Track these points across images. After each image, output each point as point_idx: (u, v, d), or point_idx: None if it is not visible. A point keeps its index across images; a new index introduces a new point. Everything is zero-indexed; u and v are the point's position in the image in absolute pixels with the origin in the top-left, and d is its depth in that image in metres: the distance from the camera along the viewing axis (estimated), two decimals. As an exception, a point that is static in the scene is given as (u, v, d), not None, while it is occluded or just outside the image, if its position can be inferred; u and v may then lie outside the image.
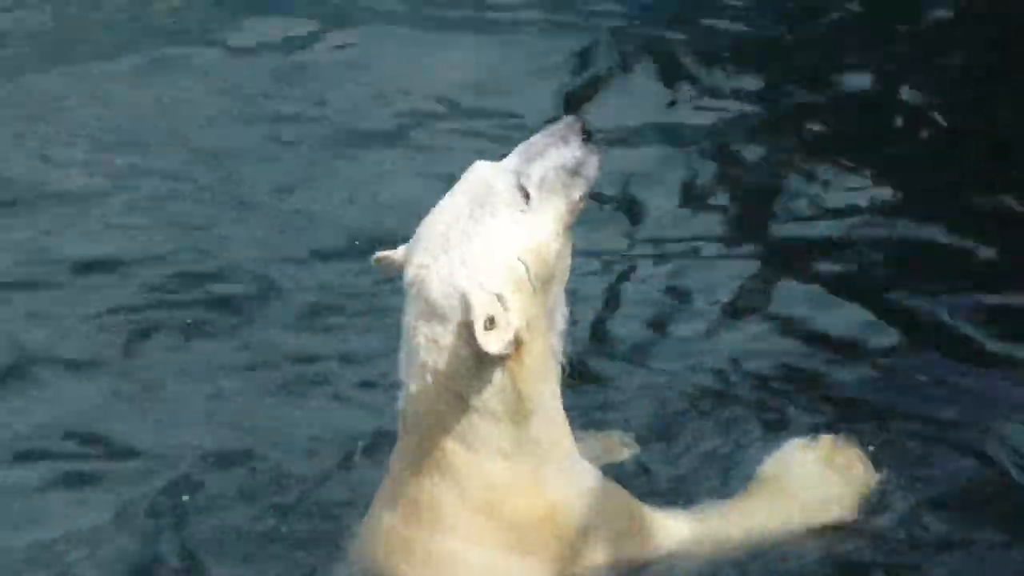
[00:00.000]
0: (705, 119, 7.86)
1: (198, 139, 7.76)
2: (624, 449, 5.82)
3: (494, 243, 4.87)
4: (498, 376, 4.89)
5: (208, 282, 6.93)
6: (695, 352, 6.53)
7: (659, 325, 6.70)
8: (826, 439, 5.54)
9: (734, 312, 6.75)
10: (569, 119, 5.02)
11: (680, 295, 6.85)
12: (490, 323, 4.81)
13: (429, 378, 4.91)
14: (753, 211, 7.32)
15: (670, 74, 8.19)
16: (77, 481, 6.00)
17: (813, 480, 5.41)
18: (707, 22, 8.52)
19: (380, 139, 7.74)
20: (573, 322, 6.42)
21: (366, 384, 6.27)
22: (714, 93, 8.04)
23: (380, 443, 5.53)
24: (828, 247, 7.10)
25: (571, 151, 4.96)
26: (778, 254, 7.08)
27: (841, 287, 6.85)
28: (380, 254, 5.10)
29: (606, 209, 7.33)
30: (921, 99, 7.98)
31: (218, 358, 6.55)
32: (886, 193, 7.40)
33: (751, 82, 8.17)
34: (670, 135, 7.75)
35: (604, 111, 7.89)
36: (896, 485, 5.62)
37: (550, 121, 5.14)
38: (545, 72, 8.14)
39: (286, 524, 5.68)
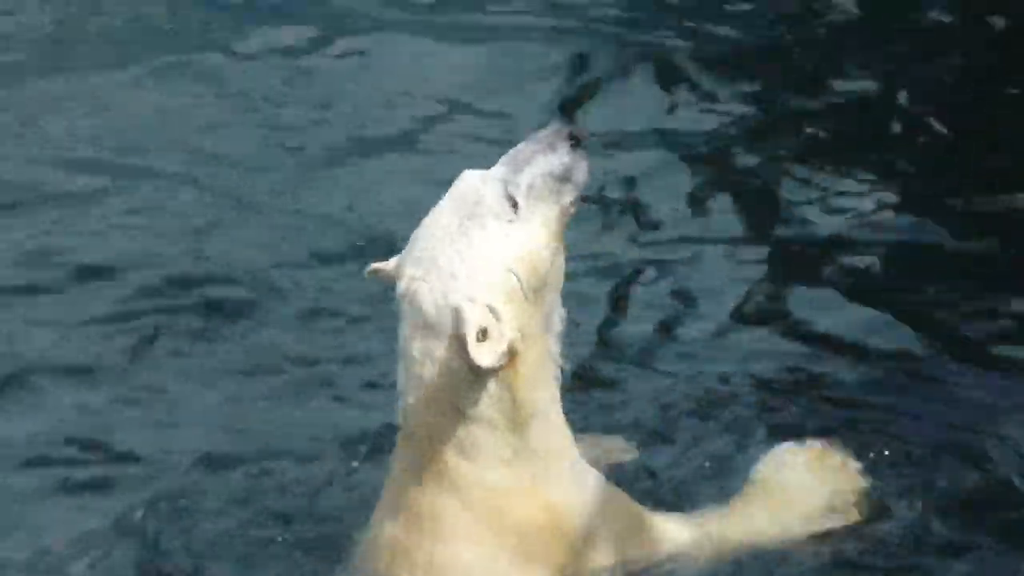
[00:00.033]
0: (707, 123, 7.87)
1: (199, 143, 7.77)
2: (625, 453, 5.81)
3: (484, 255, 4.86)
4: (494, 386, 4.89)
5: (209, 286, 6.93)
6: (699, 355, 6.54)
7: (663, 328, 6.71)
8: (814, 444, 5.53)
9: (738, 315, 6.75)
10: (556, 125, 5.00)
11: (684, 298, 6.85)
12: (483, 335, 4.80)
13: (425, 390, 4.91)
14: (756, 214, 7.32)
15: (671, 78, 8.19)
16: (77, 486, 6.01)
17: (802, 483, 5.40)
18: (707, 26, 8.52)
19: (382, 143, 7.75)
20: (576, 325, 6.48)
21: (369, 386, 6.28)
22: (715, 97, 8.05)
23: (383, 445, 5.52)
24: (832, 249, 7.10)
25: (558, 158, 4.94)
26: (782, 257, 7.08)
27: (845, 289, 6.85)
28: (373, 266, 5.10)
29: (610, 213, 7.33)
30: (922, 100, 7.98)
31: (219, 362, 6.56)
32: (888, 195, 7.41)
33: (752, 85, 8.18)
34: (672, 139, 7.76)
35: (605, 115, 7.90)
36: (898, 488, 5.63)
37: (542, 127, 5.13)
38: (547, 77, 8.14)
39: (288, 530, 5.68)
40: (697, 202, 7.41)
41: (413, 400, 4.95)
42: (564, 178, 4.95)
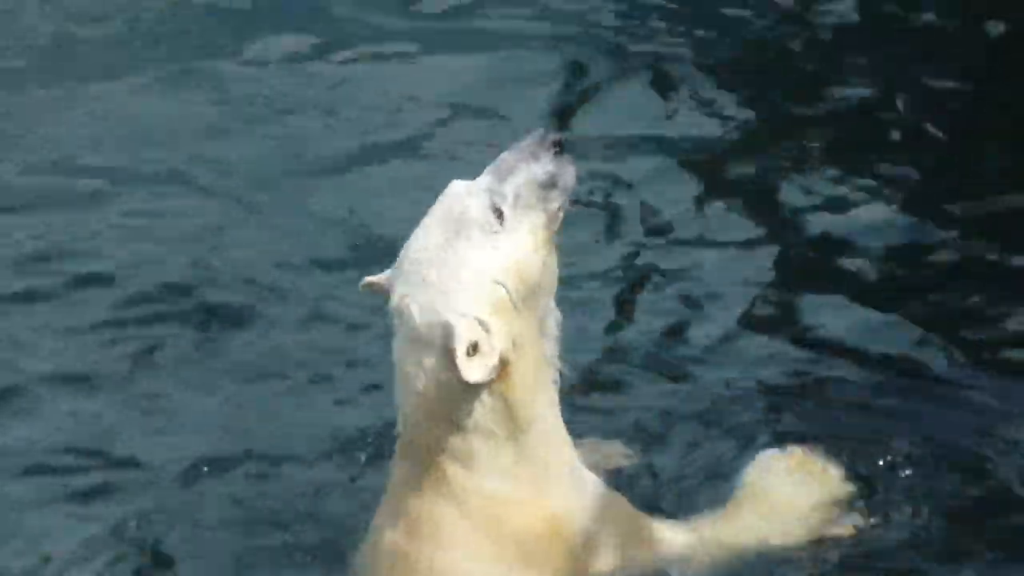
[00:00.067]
0: (709, 128, 7.86)
1: (201, 149, 7.77)
2: (625, 458, 5.82)
3: (471, 268, 4.86)
4: (488, 396, 4.89)
5: (211, 291, 6.94)
6: (703, 360, 6.53)
7: (667, 333, 6.70)
8: (796, 449, 5.55)
9: (742, 320, 6.74)
10: (538, 132, 4.98)
11: (688, 303, 6.84)
12: (473, 349, 4.81)
13: (421, 402, 4.92)
14: (760, 219, 7.31)
15: (672, 83, 8.18)
16: (77, 493, 6.01)
17: (785, 488, 5.42)
18: (707, 31, 8.51)
19: (384, 149, 7.74)
20: (582, 330, 6.50)
21: (371, 388, 6.27)
22: (716, 102, 8.03)
23: (384, 448, 5.52)
24: (835, 253, 7.10)
25: (541, 166, 4.94)
26: (786, 261, 7.07)
27: (849, 294, 6.84)
28: (367, 280, 5.10)
29: (614, 218, 7.32)
30: (922, 104, 7.97)
31: (221, 367, 6.56)
32: (890, 198, 7.40)
33: (753, 89, 8.17)
34: (674, 144, 7.75)
35: (608, 121, 7.89)
36: (900, 493, 5.64)
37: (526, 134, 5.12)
38: (548, 83, 8.14)
39: (290, 535, 5.69)
40: (701, 207, 7.40)
41: (410, 411, 4.96)
42: (549, 185, 4.94)
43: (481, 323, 4.83)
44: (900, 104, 7.97)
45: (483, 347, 4.82)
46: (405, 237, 5.07)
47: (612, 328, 6.74)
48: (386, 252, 5.14)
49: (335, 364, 6.52)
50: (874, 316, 6.72)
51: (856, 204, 7.36)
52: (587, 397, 6.27)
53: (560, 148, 4.96)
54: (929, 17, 8.53)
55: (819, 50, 8.37)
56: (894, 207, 7.34)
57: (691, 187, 7.51)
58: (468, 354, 4.80)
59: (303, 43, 8.45)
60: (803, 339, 6.64)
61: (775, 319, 6.76)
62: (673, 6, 8.69)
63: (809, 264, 7.07)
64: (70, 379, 6.48)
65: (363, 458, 5.95)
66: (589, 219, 7.30)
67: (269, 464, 6.05)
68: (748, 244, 7.16)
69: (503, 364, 4.86)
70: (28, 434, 6.25)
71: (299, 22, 8.61)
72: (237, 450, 6.11)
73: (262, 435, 6.19)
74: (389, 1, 8.74)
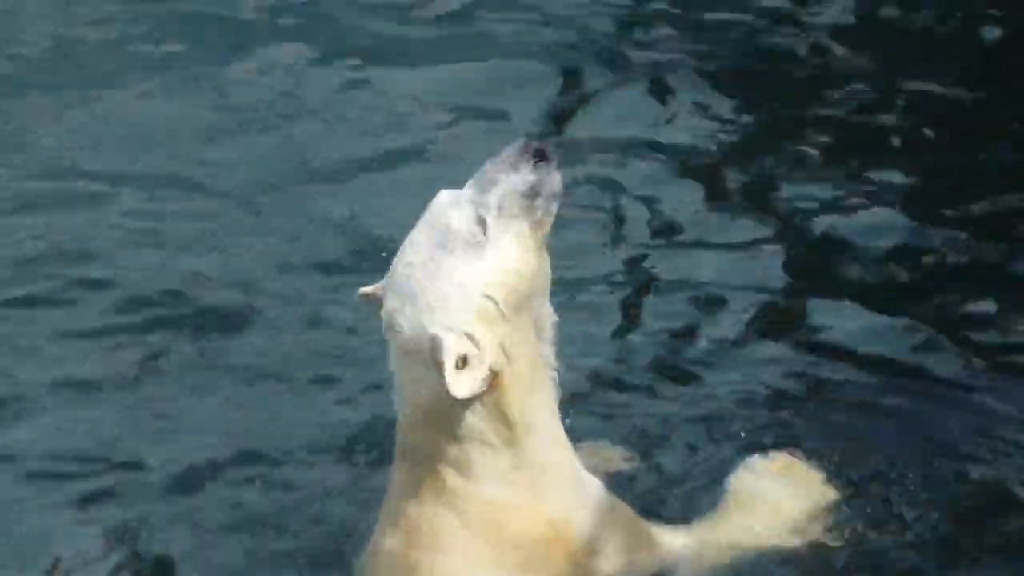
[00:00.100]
0: (710, 133, 7.84)
1: (201, 155, 7.77)
2: (625, 461, 5.83)
3: (457, 283, 4.85)
4: (482, 406, 4.90)
5: (212, 295, 6.93)
6: (706, 363, 6.54)
7: (670, 336, 6.70)
8: (779, 454, 5.58)
9: (748, 324, 6.74)
10: (518, 143, 4.96)
11: (691, 306, 6.84)
12: (463, 362, 4.81)
13: (416, 411, 4.93)
14: (761, 222, 7.31)
15: (674, 88, 8.17)
16: (78, 498, 6.02)
17: (772, 492, 5.44)
18: (705, 33, 8.52)
19: (386, 155, 7.73)
20: (585, 333, 6.51)
21: (372, 389, 6.26)
22: (717, 106, 8.01)
23: (386, 449, 5.51)
24: (839, 257, 7.10)
25: (522, 177, 4.91)
26: (791, 265, 7.07)
27: (854, 297, 6.84)
28: (363, 291, 5.11)
29: (615, 222, 7.33)
30: (923, 104, 7.98)
31: (222, 370, 6.56)
32: (890, 199, 7.40)
33: (754, 92, 8.16)
34: (675, 149, 7.74)
35: (610, 126, 7.88)
36: (901, 494, 5.66)
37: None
38: (549, 89, 8.13)
39: (292, 539, 5.70)
40: (702, 211, 7.39)
41: (407, 420, 4.98)
42: (532, 195, 4.92)
43: (469, 336, 4.82)
44: (899, 106, 7.97)
45: (472, 360, 4.82)
46: (403, 242, 5.08)
47: (614, 331, 6.74)
48: (387, 256, 5.14)
49: (336, 367, 6.51)
50: (875, 318, 6.72)
51: (856, 206, 7.36)
52: (589, 400, 6.27)
53: (541, 157, 4.93)
54: (928, 20, 8.54)
55: (818, 53, 8.36)
56: (894, 209, 7.33)
57: (692, 191, 7.51)
58: (457, 367, 4.80)
59: (304, 48, 8.46)
60: (804, 342, 6.64)
61: (777, 322, 6.76)
62: (672, 11, 8.69)
63: (810, 267, 7.07)
64: (71, 383, 6.49)
65: (364, 461, 5.96)
66: (590, 223, 7.30)
67: (270, 467, 6.05)
68: (749, 248, 7.16)
69: (494, 375, 4.86)
70: (29, 437, 6.26)
71: (300, 28, 8.61)
72: (239, 453, 6.12)
73: (263, 438, 6.19)
74: (390, 8, 8.75)
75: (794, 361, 6.54)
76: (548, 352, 5.03)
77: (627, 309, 6.87)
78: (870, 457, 5.84)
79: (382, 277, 5.08)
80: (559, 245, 6.94)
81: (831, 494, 5.50)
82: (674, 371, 6.51)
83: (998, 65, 8.20)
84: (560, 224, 6.99)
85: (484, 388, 4.85)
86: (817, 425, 6.10)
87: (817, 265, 7.08)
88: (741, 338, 6.67)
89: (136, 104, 8.13)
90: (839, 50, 8.34)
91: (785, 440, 5.95)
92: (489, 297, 4.85)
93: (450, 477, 4.94)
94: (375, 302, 5.06)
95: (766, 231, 7.24)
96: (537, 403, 4.97)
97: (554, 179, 4.94)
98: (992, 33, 8.38)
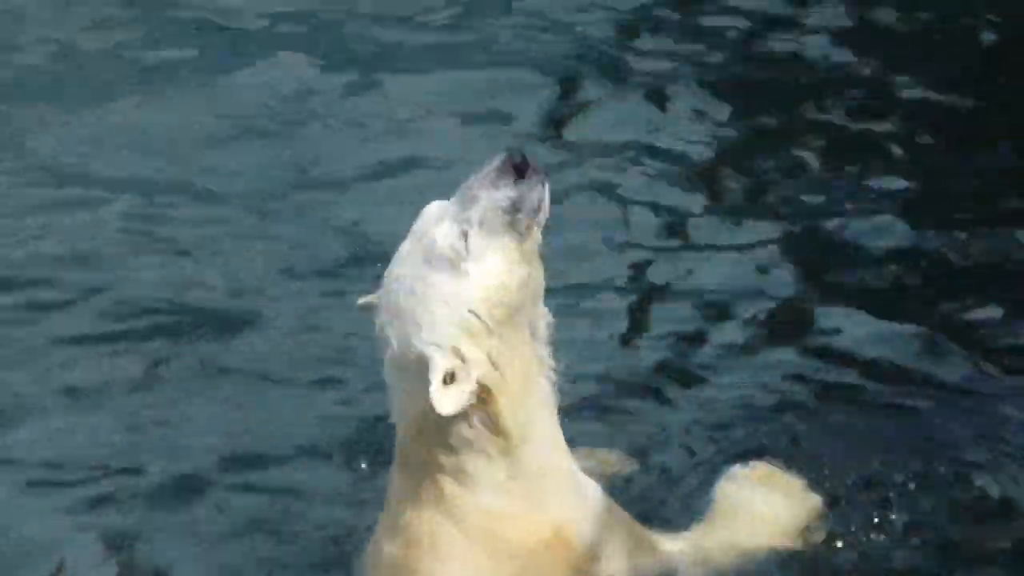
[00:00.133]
0: (707, 137, 7.85)
1: (203, 162, 7.79)
2: (624, 465, 5.83)
3: (442, 300, 4.85)
4: (475, 416, 4.90)
5: (212, 300, 6.96)
6: (709, 366, 6.55)
7: (673, 340, 6.71)
8: (758, 463, 5.58)
9: (749, 327, 6.75)
10: (498, 159, 4.93)
11: (694, 311, 6.86)
12: (451, 378, 4.82)
13: (411, 422, 4.95)
14: (761, 225, 7.32)
15: (675, 91, 8.18)
16: (79, 503, 6.04)
17: (754, 499, 5.45)
18: (704, 37, 8.53)
19: (387, 161, 7.75)
20: (589, 337, 6.52)
21: (373, 391, 6.26)
22: (717, 109, 8.03)
23: (387, 450, 5.52)
24: (837, 257, 7.12)
25: (503, 193, 4.88)
26: (787, 267, 7.09)
27: (853, 298, 6.87)
28: (362, 301, 5.11)
29: (619, 227, 7.34)
30: (923, 106, 7.98)
31: (222, 376, 6.57)
32: (890, 201, 7.41)
33: (755, 94, 8.18)
34: (671, 153, 7.76)
35: (609, 131, 7.90)
36: (902, 499, 5.67)
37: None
38: (547, 95, 8.15)
39: (292, 543, 5.73)
40: (702, 216, 7.40)
41: (403, 431, 4.99)
42: (514, 210, 4.88)
43: (456, 351, 4.83)
44: (899, 110, 7.97)
45: (459, 375, 4.82)
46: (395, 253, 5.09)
47: (616, 336, 6.76)
48: (384, 265, 5.15)
49: (337, 371, 6.53)
50: (876, 321, 6.73)
51: (856, 210, 7.36)
52: (591, 405, 6.28)
53: (521, 173, 4.90)
54: (926, 23, 8.54)
55: (817, 57, 8.36)
56: (895, 213, 7.33)
57: (692, 196, 7.51)
58: (445, 382, 4.81)
59: (305, 56, 8.46)
60: (806, 346, 6.66)
61: (779, 327, 6.77)
62: (672, 17, 8.69)
63: (811, 271, 7.07)
64: (72, 388, 6.50)
65: (365, 464, 5.97)
66: (591, 227, 7.31)
67: (271, 472, 6.08)
68: (750, 253, 7.16)
69: (484, 387, 4.86)
70: (30, 442, 6.28)
71: (301, 35, 8.62)
72: (239, 458, 6.14)
73: (264, 443, 6.21)
74: (391, 15, 8.76)
75: (796, 365, 6.56)
76: (544, 352, 5.03)
77: (629, 314, 6.88)
78: (871, 460, 5.84)
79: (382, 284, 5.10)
80: (561, 249, 7.02)
81: (812, 500, 5.50)
82: (676, 375, 6.52)
83: (997, 67, 8.20)
84: (562, 228, 7.11)
85: (472, 401, 4.85)
86: (818, 427, 6.12)
87: (819, 269, 7.08)
88: (743, 342, 6.69)
89: (138, 111, 8.14)
90: (838, 54, 8.35)
91: (787, 444, 5.97)
92: (474, 312, 4.84)
93: (447, 485, 4.96)
94: (373, 312, 5.07)
95: (767, 236, 7.24)
96: (533, 409, 4.98)
97: (535, 193, 4.90)
98: (990, 36, 8.38)
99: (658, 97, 8.11)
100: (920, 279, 6.99)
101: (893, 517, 5.63)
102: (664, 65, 8.31)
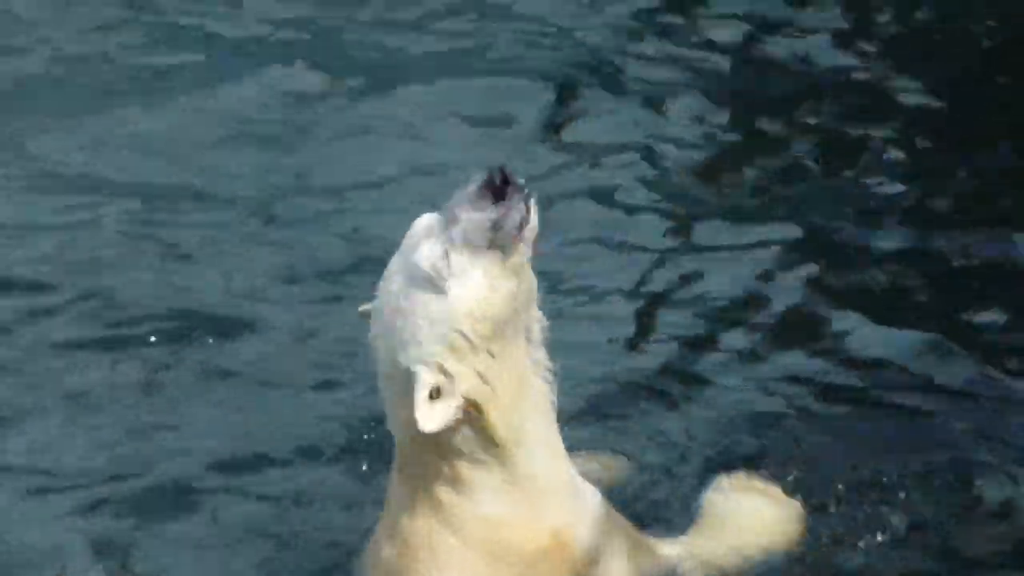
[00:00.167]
0: (706, 141, 7.86)
1: (204, 169, 7.78)
2: (624, 469, 5.84)
3: (426, 318, 4.84)
4: (468, 427, 4.91)
5: (212, 304, 6.95)
6: (713, 372, 6.54)
7: (679, 345, 6.71)
8: (740, 473, 5.59)
9: (751, 331, 6.75)
10: (478, 179, 4.90)
11: (699, 316, 6.85)
12: (437, 393, 4.83)
13: (405, 432, 4.95)
14: (761, 227, 7.32)
15: (677, 93, 8.18)
16: (79, 508, 6.04)
17: (737, 507, 5.47)
18: (704, 40, 8.53)
19: (389, 169, 7.75)
20: (593, 344, 6.53)
21: (373, 394, 6.28)
22: (716, 111, 8.03)
23: (387, 451, 5.54)
24: (838, 259, 7.11)
25: (483, 215, 4.84)
26: (787, 270, 7.08)
27: (853, 300, 6.86)
28: (362, 309, 5.11)
29: (620, 230, 7.35)
30: (924, 104, 7.98)
31: (222, 380, 6.58)
32: (890, 202, 7.41)
33: (753, 96, 8.18)
34: (670, 156, 7.76)
35: (604, 133, 7.90)
36: (904, 500, 5.69)
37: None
38: (548, 101, 8.14)
39: (292, 546, 5.73)
40: (708, 219, 7.39)
41: (399, 440, 5.00)
42: (495, 228, 4.84)
43: (441, 368, 4.84)
44: (898, 111, 7.97)
45: (445, 390, 4.84)
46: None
47: (618, 340, 6.75)
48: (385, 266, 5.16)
49: (338, 374, 6.53)
50: (875, 321, 6.72)
51: (856, 210, 7.36)
52: (593, 409, 6.28)
53: (501, 194, 4.85)
54: (925, 23, 8.54)
55: (817, 58, 8.36)
56: (895, 214, 7.33)
57: (693, 200, 7.51)
58: (432, 397, 4.82)
59: (306, 63, 8.46)
60: (807, 347, 6.65)
61: (781, 330, 6.76)
62: (671, 22, 8.68)
63: (812, 273, 7.06)
64: (72, 393, 6.50)
65: (366, 466, 5.98)
66: (592, 230, 7.32)
67: (271, 474, 6.09)
68: (750, 254, 7.15)
69: (471, 402, 4.87)
70: (28, 448, 6.29)
71: (302, 43, 8.62)
72: (239, 463, 6.15)
73: (264, 448, 6.21)
74: (392, 23, 8.76)
75: (796, 366, 6.55)
76: (539, 355, 5.02)
77: (629, 317, 6.87)
78: (872, 461, 5.85)
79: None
80: (562, 252, 7.03)
81: (793, 505, 5.51)
82: (678, 379, 6.51)
83: (997, 67, 8.20)
84: (563, 230, 7.13)
85: (459, 416, 4.85)
86: (818, 428, 6.12)
87: (819, 271, 7.06)
88: (744, 345, 6.68)
89: (139, 115, 8.14)
90: (838, 55, 8.33)
91: (788, 445, 5.98)
92: (458, 330, 4.84)
93: (444, 493, 4.96)
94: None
95: (767, 239, 7.23)
96: (528, 415, 4.97)
97: (516, 213, 4.85)
98: (990, 36, 8.38)
99: (658, 102, 8.10)
100: (920, 280, 6.98)
101: (893, 518, 5.64)
102: (664, 69, 8.30)
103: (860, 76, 8.20)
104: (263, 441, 6.25)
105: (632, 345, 6.75)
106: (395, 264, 4.95)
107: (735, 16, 8.61)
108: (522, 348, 4.97)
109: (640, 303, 6.94)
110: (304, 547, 5.75)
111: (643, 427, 6.22)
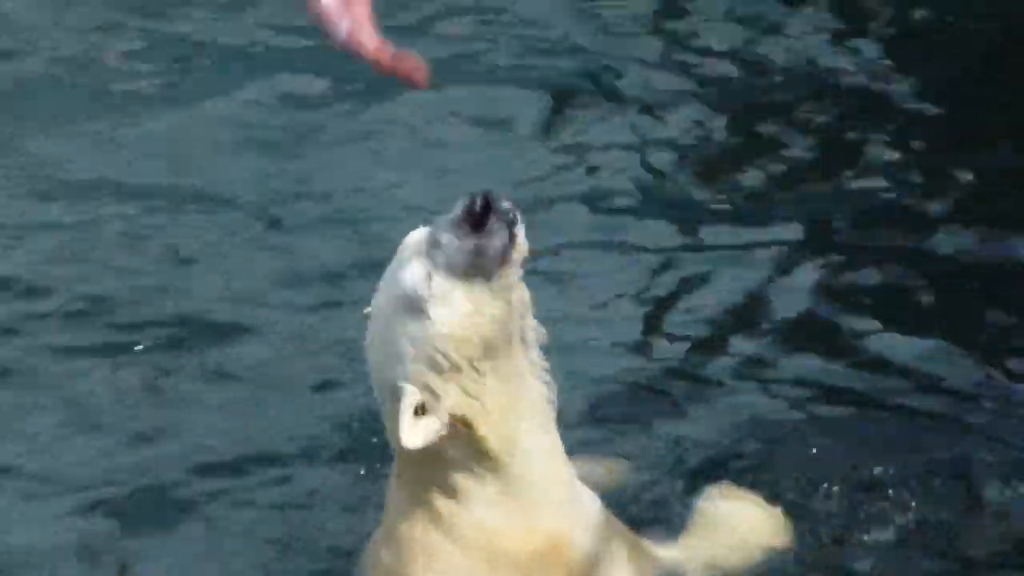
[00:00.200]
0: (703, 144, 7.87)
1: (203, 175, 7.79)
2: (624, 473, 5.85)
3: (410, 338, 4.82)
4: (459, 439, 4.91)
5: (213, 313, 6.95)
6: (716, 375, 6.54)
7: (682, 348, 6.71)
8: (724, 483, 5.60)
9: (755, 332, 6.75)
10: (459, 206, 4.84)
11: (701, 320, 6.85)
12: (422, 409, 4.83)
13: (398, 442, 4.92)
14: (761, 229, 7.33)
15: (677, 94, 8.19)
16: (78, 511, 6.05)
17: (724, 514, 5.48)
18: (701, 40, 8.54)
19: (389, 175, 7.76)
20: (595, 347, 6.53)
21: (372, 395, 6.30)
22: (715, 113, 8.04)
23: (387, 453, 5.56)
24: (842, 259, 7.11)
25: (464, 244, 4.79)
26: (787, 272, 7.09)
27: (861, 303, 6.86)
28: (368, 311, 5.09)
29: (620, 232, 7.35)
30: (923, 104, 7.99)
31: (222, 387, 6.58)
32: (890, 203, 7.41)
33: (752, 98, 8.18)
34: (668, 159, 7.78)
35: (603, 135, 7.91)
36: (907, 501, 5.69)
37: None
38: (545, 104, 8.15)
39: (294, 554, 5.74)
40: (708, 221, 7.40)
41: (395, 447, 4.98)
42: (477, 254, 4.79)
43: (426, 387, 4.83)
44: (898, 112, 7.97)
45: (430, 407, 4.83)
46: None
47: (619, 343, 6.75)
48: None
49: (339, 376, 6.54)
50: (874, 322, 6.72)
51: (856, 211, 7.36)
52: (595, 412, 6.29)
53: (480, 224, 4.79)
54: (925, 21, 8.54)
55: (817, 59, 8.37)
56: (894, 213, 7.33)
57: (693, 200, 7.51)
58: (417, 413, 4.82)
59: (307, 70, 8.48)
60: (807, 348, 6.64)
61: (782, 330, 6.77)
62: (670, 26, 8.68)
63: (810, 272, 7.05)
64: (71, 396, 6.50)
65: (366, 468, 6.00)
66: (593, 231, 7.33)
67: (272, 477, 6.09)
68: (750, 256, 7.15)
69: (459, 417, 4.86)
70: (28, 452, 6.29)
71: (303, 49, 8.64)
72: (240, 465, 6.15)
73: (265, 449, 6.22)
74: (392, 30, 8.74)
75: (797, 367, 6.54)
76: (535, 357, 5.01)
77: (631, 320, 6.86)
78: (872, 461, 5.85)
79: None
80: (563, 254, 7.04)
81: (776, 512, 5.52)
82: (683, 381, 6.50)
83: (997, 67, 8.20)
84: (563, 232, 7.14)
85: (444, 432, 4.85)
86: (819, 429, 6.13)
87: (819, 272, 7.06)
88: (746, 347, 6.67)
89: (140, 120, 8.14)
90: (836, 55, 8.32)
91: (788, 446, 5.98)
92: (440, 351, 4.82)
93: (440, 501, 4.97)
94: None
95: (767, 240, 7.23)
96: (522, 424, 4.96)
97: (498, 240, 4.78)
98: (990, 36, 8.38)
99: (658, 104, 8.09)
100: (920, 280, 6.98)
101: (894, 518, 5.65)
102: (663, 73, 8.29)
103: (859, 76, 8.20)
104: (263, 444, 6.26)
105: (633, 347, 6.75)
106: (383, 281, 4.95)
107: (733, 19, 8.61)
108: (515, 360, 4.94)
109: (641, 305, 6.94)
110: (304, 550, 5.76)
111: (644, 429, 6.23)
